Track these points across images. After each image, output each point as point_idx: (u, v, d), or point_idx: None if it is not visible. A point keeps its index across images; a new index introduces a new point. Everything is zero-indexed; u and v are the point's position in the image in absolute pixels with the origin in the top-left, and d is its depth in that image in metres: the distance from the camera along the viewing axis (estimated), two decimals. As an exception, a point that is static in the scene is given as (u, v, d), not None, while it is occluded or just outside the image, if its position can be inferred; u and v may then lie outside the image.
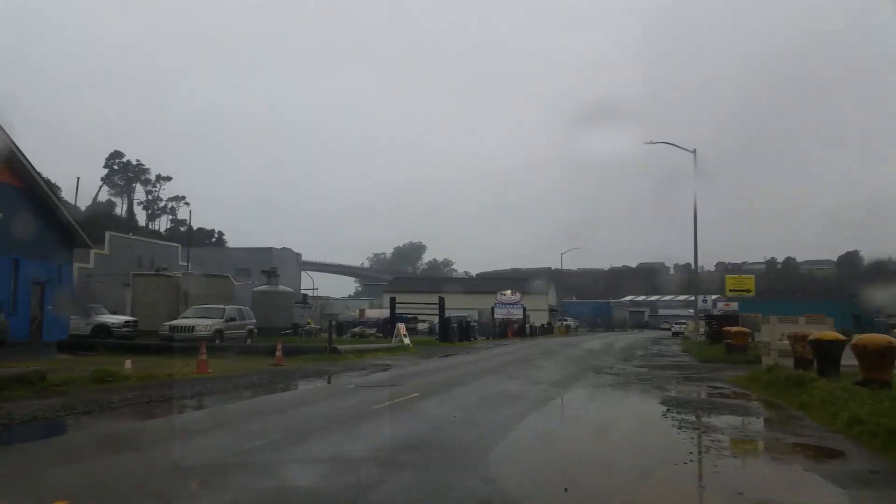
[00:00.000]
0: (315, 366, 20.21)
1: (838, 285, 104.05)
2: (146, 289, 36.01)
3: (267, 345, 22.38)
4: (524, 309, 59.38)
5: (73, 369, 15.24)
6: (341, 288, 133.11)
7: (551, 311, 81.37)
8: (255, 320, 28.36)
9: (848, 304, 65.84)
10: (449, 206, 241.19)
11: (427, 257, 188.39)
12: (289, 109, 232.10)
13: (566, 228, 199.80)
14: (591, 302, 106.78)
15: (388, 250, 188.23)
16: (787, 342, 16.74)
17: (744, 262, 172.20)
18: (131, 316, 30.82)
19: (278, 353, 20.20)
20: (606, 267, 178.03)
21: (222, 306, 26.73)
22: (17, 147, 22.53)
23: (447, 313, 42.40)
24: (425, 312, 48.89)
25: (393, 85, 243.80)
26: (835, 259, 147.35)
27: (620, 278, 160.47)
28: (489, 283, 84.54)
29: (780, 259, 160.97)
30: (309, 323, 42.69)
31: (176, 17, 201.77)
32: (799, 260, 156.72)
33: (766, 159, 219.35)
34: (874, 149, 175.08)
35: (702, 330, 36.56)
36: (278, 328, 39.59)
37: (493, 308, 59.34)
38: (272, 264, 61.05)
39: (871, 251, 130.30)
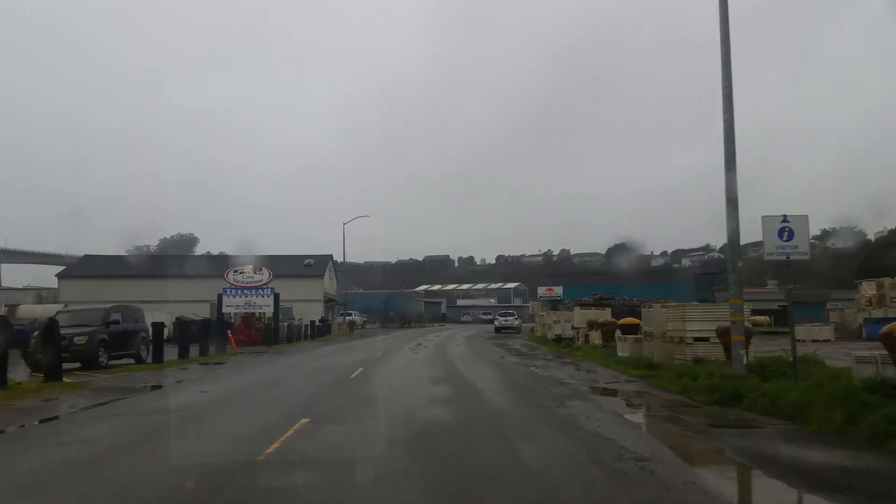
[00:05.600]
0: None
1: (607, 272, 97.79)
2: None
3: None
4: (276, 296, 32.18)
5: None
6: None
7: (328, 301, 54.68)
8: None
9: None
10: (228, 196, 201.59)
11: (200, 250, 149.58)
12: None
13: (349, 216, 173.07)
14: (381, 293, 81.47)
15: (153, 243, 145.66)
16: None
17: (522, 255, 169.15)
18: None
19: None
20: (393, 260, 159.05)
21: None
22: None
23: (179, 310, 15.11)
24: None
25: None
26: (603, 252, 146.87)
27: (407, 272, 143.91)
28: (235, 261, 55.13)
29: (556, 252, 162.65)
30: None
31: None
32: (572, 252, 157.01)
33: (544, 158, 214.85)
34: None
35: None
36: None
37: (219, 296, 31.71)
38: None
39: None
